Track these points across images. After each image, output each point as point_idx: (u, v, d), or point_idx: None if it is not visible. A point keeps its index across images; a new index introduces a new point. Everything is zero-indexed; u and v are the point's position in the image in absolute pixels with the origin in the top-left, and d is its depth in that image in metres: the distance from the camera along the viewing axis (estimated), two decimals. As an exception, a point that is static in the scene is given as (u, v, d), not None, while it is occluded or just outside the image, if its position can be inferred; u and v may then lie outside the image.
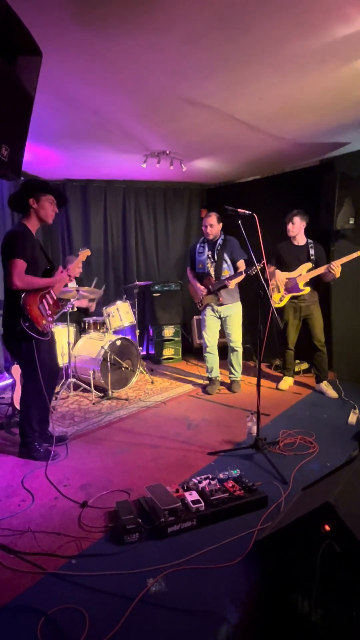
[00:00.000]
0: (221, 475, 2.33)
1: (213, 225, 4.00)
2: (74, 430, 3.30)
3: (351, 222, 4.13)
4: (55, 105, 3.00)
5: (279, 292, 4.01)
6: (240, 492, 2.18)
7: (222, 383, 4.39)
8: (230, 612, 1.55)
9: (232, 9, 1.96)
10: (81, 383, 4.23)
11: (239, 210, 2.73)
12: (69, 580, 1.72)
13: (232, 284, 3.89)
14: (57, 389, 3.89)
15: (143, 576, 1.72)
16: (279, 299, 4.02)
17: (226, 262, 4.00)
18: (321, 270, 3.78)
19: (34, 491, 2.40)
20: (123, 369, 4.25)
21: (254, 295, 2.83)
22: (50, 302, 2.77)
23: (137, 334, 4.94)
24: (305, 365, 4.64)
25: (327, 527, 1.47)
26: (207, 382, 4.36)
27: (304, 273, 3.90)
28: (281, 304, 4.03)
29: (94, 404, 3.94)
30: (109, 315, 4.42)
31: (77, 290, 3.96)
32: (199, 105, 3.06)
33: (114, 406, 3.88)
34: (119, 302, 4.51)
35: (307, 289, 3.94)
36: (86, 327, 4.56)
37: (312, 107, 3.14)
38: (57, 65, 2.40)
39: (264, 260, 2.87)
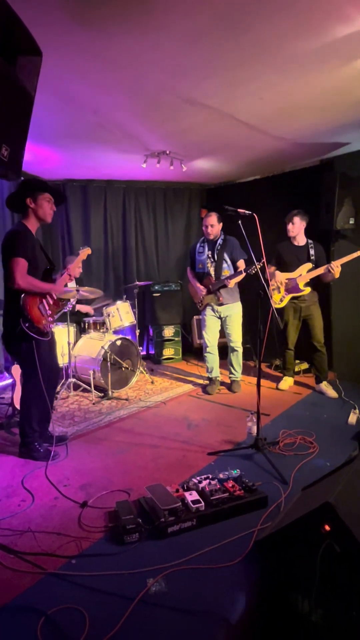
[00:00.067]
0: (221, 475, 2.33)
1: (213, 225, 4.00)
2: (74, 430, 3.30)
3: (351, 222, 4.13)
4: (55, 105, 3.00)
5: (279, 292, 4.01)
6: (240, 492, 2.18)
7: (222, 383, 4.39)
8: (230, 612, 1.55)
9: (232, 8, 1.96)
10: (81, 383, 4.23)
11: (239, 210, 2.73)
12: (69, 580, 1.71)
13: (232, 283, 3.89)
14: (57, 389, 3.89)
15: (143, 576, 1.71)
16: (279, 299, 4.02)
17: (226, 262, 4.00)
18: (321, 270, 3.77)
19: (34, 491, 2.40)
20: (123, 369, 4.25)
21: (254, 295, 2.83)
22: (50, 302, 2.77)
23: (137, 334, 4.94)
24: (305, 365, 4.64)
25: (327, 527, 1.47)
26: (207, 382, 4.36)
27: (304, 273, 3.90)
28: (281, 305, 4.03)
29: (94, 404, 3.94)
30: (109, 315, 4.42)
31: (77, 290, 3.96)
32: (199, 105, 3.06)
33: (114, 406, 3.88)
34: (119, 302, 4.51)
35: (308, 289, 3.94)
36: (86, 327, 4.56)
37: (312, 107, 3.14)
38: (57, 65, 2.39)
39: (264, 259, 2.87)
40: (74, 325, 4.51)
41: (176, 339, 5.54)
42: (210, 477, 2.29)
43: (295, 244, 4.02)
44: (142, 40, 2.21)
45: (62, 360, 4.03)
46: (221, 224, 4.04)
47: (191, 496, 2.11)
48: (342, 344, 4.48)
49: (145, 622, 1.51)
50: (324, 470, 2.32)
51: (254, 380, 3.47)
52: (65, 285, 3.31)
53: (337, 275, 3.69)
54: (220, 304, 4.06)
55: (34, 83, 1.80)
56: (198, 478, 2.28)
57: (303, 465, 2.65)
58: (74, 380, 4.22)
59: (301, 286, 3.92)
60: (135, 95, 2.90)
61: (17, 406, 3.15)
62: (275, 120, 3.40)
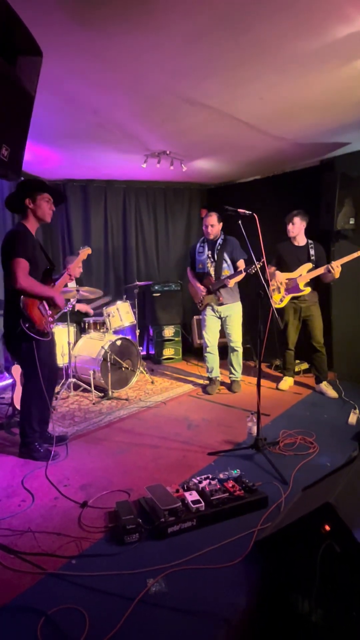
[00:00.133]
0: (221, 476, 2.33)
1: (214, 225, 4.00)
2: (74, 431, 3.30)
3: (351, 222, 4.13)
4: (55, 105, 3.00)
5: (279, 292, 4.01)
6: (241, 493, 2.17)
7: (222, 383, 4.39)
8: (230, 612, 1.55)
9: (232, 8, 1.96)
10: (81, 383, 4.23)
11: (239, 210, 2.73)
12: (69, 580, 1.71)
13: (232, 282, 3.90)
14: (57, 389, 3.89)
15: (143, 576, 1.71)
16: (279, 299, 4.02)
17: (226, 261, 4.00)
18: (321, 270, 3.77)
19: (34, 491, 2.40)
20: (123, 369, 4.25)
21: (254, 295, 2.83)
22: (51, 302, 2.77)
23: (137, 334, 4.94)
24: (305, 366, 4.64)
25: (327, 527, 1.47)
26: (207, 382, 4.36)
27: (304, 273, 3.90)
28: (281, 305, 4.03)
29: (94, 404, 3.94)
30: (109, 315, 4.42)
31: (77, 290, 3.96)
32: (199, 105, 3.06)
33: (114, 406, 3.88)
34: (119, 302, 4.51)
35: (308, 290, 3.94)
36: (86, 327, 4.56)
37: (312, 107, 3.14)
38: (57, 65, 2.40)
39: (264, 259, 2.87)
40: (74, 325, 4.51)
41: (176, 339, 5.54)
42: (211, 477, 2.29)
43: (296, 244, 4.02)
44: (142, 41, 2.21)
45: (62, 360, 4.04)
46: (221, 224, 4.04)
47: (191, 496, 2.11)
48: (342, 344, 4.48)
49: (145, 622, 1.51)
50: (324, 470, 2.32)
51: (254, 380, 3.47)
52: (66, 285, 3.32)
53: (337, 276, 3.70)
54: (221, 304, 4.06)
55: (34, 83, 1.80)
56: (198, 478, 2.28)
57: (303, 465, 2.65)
58: (74, 380, 4.22)
59: (301, 286, 3.92)
60: (135, 95, 2.90)
61: (17, 406, 3.15)
62: (275, 120, 3.40)
